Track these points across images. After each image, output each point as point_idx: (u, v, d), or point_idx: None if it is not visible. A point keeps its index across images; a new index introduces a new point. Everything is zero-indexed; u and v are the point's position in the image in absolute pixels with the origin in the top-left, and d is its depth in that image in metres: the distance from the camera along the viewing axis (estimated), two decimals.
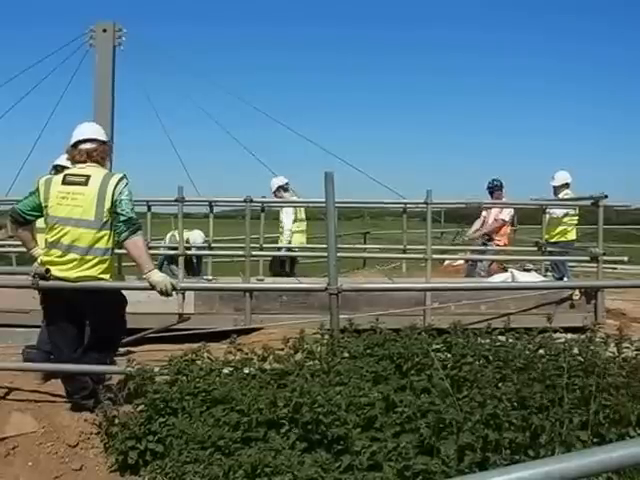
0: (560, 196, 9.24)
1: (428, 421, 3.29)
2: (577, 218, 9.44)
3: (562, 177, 9.32)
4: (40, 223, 4.40)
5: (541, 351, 4.00)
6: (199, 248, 9.82)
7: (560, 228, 9.21)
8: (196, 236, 10.24)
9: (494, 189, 9.72)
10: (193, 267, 10.54)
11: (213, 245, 8.96)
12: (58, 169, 4.76)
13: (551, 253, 8.78)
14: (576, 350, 3.86)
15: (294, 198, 9.72)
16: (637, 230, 18.21)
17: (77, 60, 11.88)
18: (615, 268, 11.60)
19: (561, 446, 3.21)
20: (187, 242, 9.98)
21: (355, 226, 15.27)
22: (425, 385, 3.66)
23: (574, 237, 9.60)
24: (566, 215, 9.14)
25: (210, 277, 8.19)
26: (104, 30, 11.51)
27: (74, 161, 4.32)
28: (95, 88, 11.54)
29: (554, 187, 9.35)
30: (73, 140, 4.32)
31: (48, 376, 4.65)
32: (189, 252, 9.28)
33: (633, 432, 3.29)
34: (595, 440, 3.28)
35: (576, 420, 3.31)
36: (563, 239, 9.24)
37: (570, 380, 3.54)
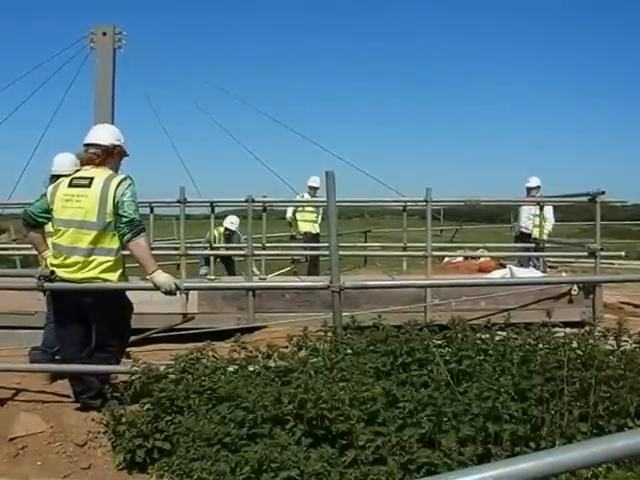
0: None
1: (429, 414, 3.34)
2: None
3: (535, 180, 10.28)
4: (49, 227, 4.43)
5: (540, 345, 4.05)
6: (231, 233, 10.24)
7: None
8: (229, 222, 10.63)
9: None
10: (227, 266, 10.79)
11: (215, 245, 9.05)
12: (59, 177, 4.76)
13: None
14: (575, 344, 3.91)
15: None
16: (633, 226, 18.24)
17: (78, 63, 11.98)
18: (612, 264, 11.66)
19: (562, 438, 3.25)
20: (226, 230, 10.48)
21: (355, 225, 15.33)
22: (426, 380, 3.71)
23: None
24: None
25: (212, 277, 8.22)
26: (104, 33, 11.64)
27: (81, 163, 4.36)
28: (95, 90, 11.62)
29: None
30: (83, 143, 4.36)
31: (55, 377, 4.70)
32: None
33: (632, 423, 3.34)
34: (595, 432, 3.33)
35: (576, 412, 3.36)
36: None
37: (569, 373, 3.57)
